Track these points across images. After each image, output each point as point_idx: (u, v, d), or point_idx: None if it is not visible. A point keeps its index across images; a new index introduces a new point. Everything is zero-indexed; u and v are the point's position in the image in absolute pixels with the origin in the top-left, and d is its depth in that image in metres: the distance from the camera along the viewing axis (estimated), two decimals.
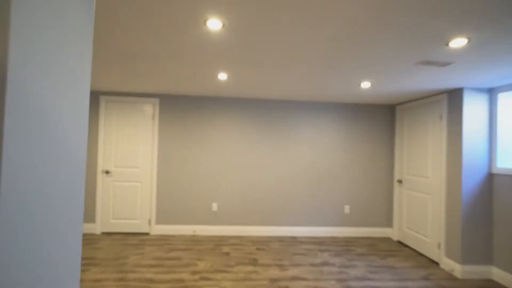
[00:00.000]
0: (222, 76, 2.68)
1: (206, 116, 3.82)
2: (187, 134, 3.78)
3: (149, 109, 3.75)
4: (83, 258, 2.88)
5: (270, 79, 2.77)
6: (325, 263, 2.99)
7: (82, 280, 2.44)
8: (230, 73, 2.58)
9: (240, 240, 3.61)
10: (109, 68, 2.54)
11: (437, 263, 3.06)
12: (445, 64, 2.13)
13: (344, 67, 2.29)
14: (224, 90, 3.35)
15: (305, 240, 3.69)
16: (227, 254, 3.15)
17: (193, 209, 3.77)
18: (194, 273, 2.67)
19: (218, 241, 3.54)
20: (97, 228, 3.65)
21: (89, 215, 3.68)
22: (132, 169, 3.72)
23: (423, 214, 3.28)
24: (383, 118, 4.00)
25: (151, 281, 2.48)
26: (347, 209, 3.92)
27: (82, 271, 2.61)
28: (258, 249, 3.33)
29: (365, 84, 2.82)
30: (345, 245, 3.55)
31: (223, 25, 1.57)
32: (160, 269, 2.71)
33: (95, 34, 1.76)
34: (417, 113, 3.48)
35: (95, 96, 3.70)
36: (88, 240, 3.41)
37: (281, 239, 3.69)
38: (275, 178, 3.87)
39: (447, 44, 1.74)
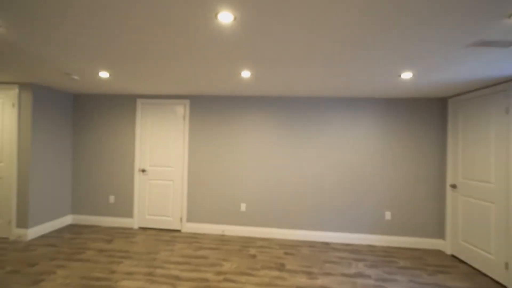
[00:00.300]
0: (246, 74, 2.61)
1: (234, 116, 3.80)
2: (216, 134, 3.81)
3: (180, 110, 3.87)
4: (119, 251, 3.08)
5: (295, 75, 2.61)
6: (359, 274, 2.70)
7: (115, 272, 2.59)
8: (253, 70, 2.49)
9: (268, 243, 3.49)
10: (144, 73, 2.66)
11: (504, 287, 2.54)
12: (509, 44, 1.73)
13: (380, 54, 2.02)
14: (250, 88, 3.27)
15: (338, 247, 3.41)
16: (254, 256, 3.06)
17: (222, 209, 3.78)
18: (219, 273, 2.64)
19: (246, 242, 3.48)
20: (134, 223, 3.89)
21: (128, 211, 3.94)
22: (165, 168, 3.89)
23: (485, 225, 2.76)
24: (432, 113, 3.50)
25: (177, 278, 2.52)
26: (388, 215, 3.52)
27: (117, 263, 2.78)
28: (286, 253, 3.18)
29: (406, 75, 2.47)
30: (385, 256, 3.18)
31: (235, 18, 1.49)
32: (186, 267, 2.75)
33: (126, 43, 1.82)
34: (475, 106, 2.95)
35: (133, 100, 3.96)
36: (126, 233, 3.64)
37: (312, 244, 3.48)
38: (306, 179, 3.67)
39: (510, 17, 1.39)
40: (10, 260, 2.76)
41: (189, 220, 3.83)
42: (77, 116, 4.01)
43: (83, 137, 4.01)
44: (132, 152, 3.94)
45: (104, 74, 2.74)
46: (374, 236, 3.54)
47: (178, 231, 3.83)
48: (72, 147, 4.01)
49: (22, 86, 3.32)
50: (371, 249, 3.37)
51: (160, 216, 3.88)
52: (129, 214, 3.94)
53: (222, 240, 3.52)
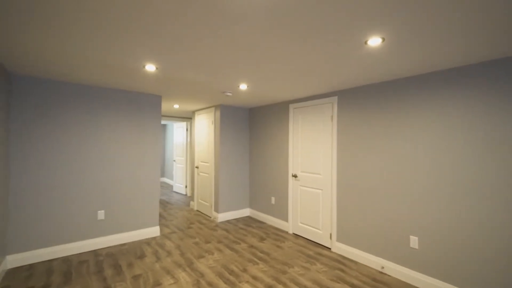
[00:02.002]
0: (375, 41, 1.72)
1: (399, 107, 2.69)
2: (370, 136, 2.91)
3: (328, 109, 3.39)
4: (263, 251, 3.19)
5: None
6: None
7: (246, 271, 2.69)
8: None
9: None
10: (297, 80, 2.63)
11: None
12: None
13: None
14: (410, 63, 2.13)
15: None
16: None
17: (382, 237, 2.78)
18: None
19: None
20: (289, 227, 3.91)
21: (284, 214, 4.05)
22: (314, 175, 3.56)
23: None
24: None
25: None
26: None
27: (253, 263, 2.89)
28: None
29: None
30: None
31: None
32: None
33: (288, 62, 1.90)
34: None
35: (285, 106, 4.06)
36: (279, 236, 3.74)
37: None
38: None
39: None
40: (202, 234, 3.79)
41: (339, 239, 3.20)
42: (252, 126, 4.80)
43: (254, 142, 4.73)
44: (286, 157, 4.04)
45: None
46: None
47: (328, 248, 3.32)
48: (248, 151, 4.86)
49: (216, 107, 4.55)
50: None
51: (311, 226, 3.59)
52: (285, 217, 4.03)
53: (377, 280, 2.56)
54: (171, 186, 7.96)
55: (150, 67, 2.38)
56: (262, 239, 3.60)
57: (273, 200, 4.27)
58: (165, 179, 8.94)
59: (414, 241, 2.51)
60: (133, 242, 3.41)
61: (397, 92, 2.69)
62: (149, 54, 2.05)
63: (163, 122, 8.19)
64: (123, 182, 3.40)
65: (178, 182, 7.00)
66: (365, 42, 1.78)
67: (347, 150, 3.14)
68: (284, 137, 4.10)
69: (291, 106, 3.94)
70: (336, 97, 3.27)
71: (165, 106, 4.82)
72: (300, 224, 3.76)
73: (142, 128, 3.56)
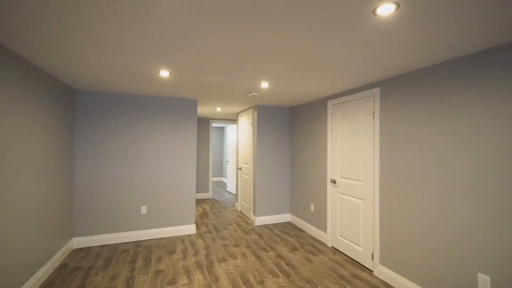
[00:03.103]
0: None
1: (468, 97, 2.01)
2: (421, 136, 2.27)
3: (368, 104, 2.84)
4: (290, 264, 2.90)
5: None
6: None
7: (263, 283, 2.48)
8: None
9: None
10: (335, 72, 2.38)
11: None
12: None
13: None
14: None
15: None
16: None
17: (439, 269, 2.12)
18: None
19: None
20: (328, 239, 3.46)
21: (323, 223, 3.61)
22: (354, 182, 3.04)
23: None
24: None
25: None
26: None
27: (275, 276, 2.65)
28: None
29: None
30: None
31: None
32: None
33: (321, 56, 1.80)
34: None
35: (323, 103, 3.62)
36: (314, 248, 3.34)
37: None
38: None
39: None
40: (234, 236, 3.76)
41: (383, 261, 2.62)
42: (292, 126, 4.50)
43: (294, 143, 4.41)
44: (324, 160, 3.60)
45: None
46: None
47: (370, 271, 2.77)
48: (289, 153, 4.57)
49: (254, 108, 4.46)
50: None
51: (351, 242, 3.08)
52: (323, 227, 3.60)
53: None
54: (226, 186, 8.33)
55: (164, 73, 2.48)
56: (294, 249, 3.30)
57: (312, 207, 3.88)
58: (223, 179, 9.42)
59: (484, 282, 1.81)
60: (171, 238, 3.65)
61: (465, 75, 2.00)
62: (162, 60, 2.12)
63: (219, 125, 8.67)
64: (163, 181, 3.69)
65: (230, 182, 7.25)
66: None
67: (392, 152, 2.54)
68: (322, 137, 3.67)
69: (330, 103, 3.49)
70: (378, 89, 2.71)
71: (209, 110, 5.04)
72: (340, 238, 3.28)
73: (180, 131, 3.80)
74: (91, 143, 3.35)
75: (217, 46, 1.84)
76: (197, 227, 4.13)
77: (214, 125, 8.86)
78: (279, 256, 3.10)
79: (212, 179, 9.34)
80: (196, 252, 3.17)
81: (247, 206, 4.72)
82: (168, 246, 3.36)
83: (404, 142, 2.42)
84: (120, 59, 2.11)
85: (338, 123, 3.34)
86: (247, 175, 4.76)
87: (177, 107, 3.79)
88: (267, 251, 3.23)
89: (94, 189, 3.36)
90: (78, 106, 3.29)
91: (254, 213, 4.36)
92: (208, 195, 6.48)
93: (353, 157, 3.06)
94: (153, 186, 3.64)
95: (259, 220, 4.31)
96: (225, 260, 2.96)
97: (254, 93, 3.26)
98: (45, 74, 2.46)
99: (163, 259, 2.96)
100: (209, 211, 5.14)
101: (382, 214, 2.65)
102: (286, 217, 4.52)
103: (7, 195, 1.93)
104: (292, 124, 4.52)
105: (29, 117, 2.19)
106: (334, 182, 3.37)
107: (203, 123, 6.45)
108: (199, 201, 6.06)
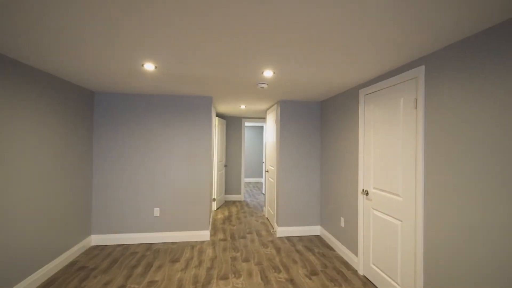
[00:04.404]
0: None
1: None
2: (493, 133, 1.46)
3: (409, 89, 2.06)
4: (294, 287, 2.35)
5: None
6: None
7: None
8: None
9: None
10: (367, 56, 1.87)
11: None
12: None
13: None
14: None
15: None
16: None
17: None
18: None
19: None
20: (359, 265, 2.74)
21: (353, 243, 2.89)
22: (390, 196, 2.29)
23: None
24: None
25: None
26: None
27: None
28: None
29: None
30: None
31: None
32: None
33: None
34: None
35: (354, 93, 2.89)
36: (338, 274, 2.67)
37: None
38: None
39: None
40: (248, 248, 3.35)
41: None
42: (323, 124, 3.83)
43: (324, 144, 3.73)
44: (355, 165, 2.88)
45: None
46: None
47: None
48: (320, 156, 3.90)
49: (277, 104, 3.95)
50: None
51: (385, 274, 2.33)
52: (354, 249, 2.88)
53: None
54: (262, 187, 7.97)
55: (149, 66, 2.24)
56: (313, 273, 2.70)
57: (342, 221, 3.18)
58: (261, 180, 9.09)
59: None
60: (182, 243, 3.47)
61: None
62: (148, 51, 1.88)
63: (256, 124, 8.35)
64: (174, 183, 3.53)
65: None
66: None
67: (442, 157, 1.75)
68: (353, 136, 2.95)
69: (361, 93, 2.76)
70: (422, 67, 1.93)
71: (233, 107, 4.74)
72: (372, 266, 2.54)
73: (193, 131, 3.59)
74: (106, 143, 3.40)
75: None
76: (214, 233, 3.87)
77: (248, 124, 8.58)
78: (291, 281, 2.56)
79: (250, 180, 9.11)
80: (200, 264, 2.88)
81: (272, 213, 4.25)
82: (175, 252, 3.17)
83: (459, 142, 1.62)
84: (112, 58, 1.95)
85: (371, 118, 2.60)
86: (272, 179, 4.29)
87: (190, 105, 3.59)
88: (279, 272, 2.72)
89: (109, 189, 3.41)
90: (96, 108, 3.39)
91: (277, 223, 3.87)
92: (240, 197, 6.21)
93: (390, 163, 2.30)
94: (165, 188, 3.52)
95: (282, 231, 3.80)
96: (226, 278, 2.58)
97: (263, 85, 2.79)
98: (61, 80, 2.51)
99: (163, 268, 2.77)
100: (234, 215, 4.85)
101: (427, 243, 1.87)
102: (315, 230, 3.88)
103: (15, 194, 1.96)
104: (323, 120, 3.85)
105: (62, 125, 2.24)
106: (366, 193, 2.64)
107: (235, 122, 6.21)
108: (228, 203, 5.84)
